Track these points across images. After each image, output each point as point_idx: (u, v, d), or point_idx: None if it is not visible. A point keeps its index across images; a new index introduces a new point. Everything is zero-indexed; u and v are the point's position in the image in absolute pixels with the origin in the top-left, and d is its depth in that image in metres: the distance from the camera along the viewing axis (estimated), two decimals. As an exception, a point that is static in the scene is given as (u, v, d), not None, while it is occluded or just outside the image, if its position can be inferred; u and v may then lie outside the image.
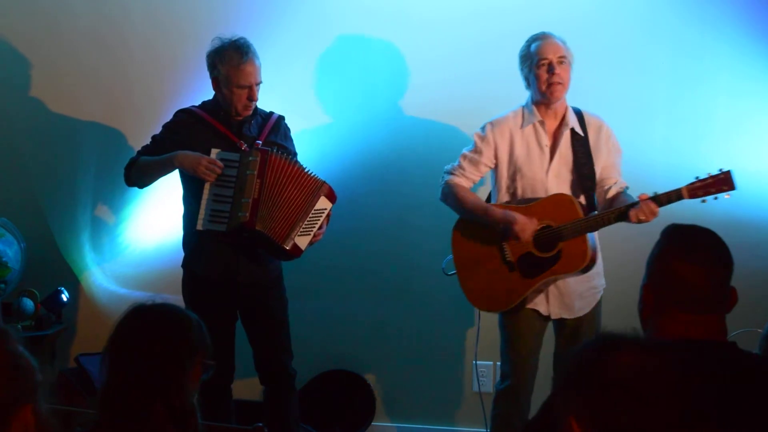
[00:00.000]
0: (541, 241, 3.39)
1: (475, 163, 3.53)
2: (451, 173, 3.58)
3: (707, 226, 2.03)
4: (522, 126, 3.48)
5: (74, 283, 4.48)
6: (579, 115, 3.50)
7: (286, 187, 3.53)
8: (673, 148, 4.08)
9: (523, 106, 3.50)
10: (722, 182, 3.14)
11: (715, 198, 3.18)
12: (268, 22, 4.24)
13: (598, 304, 3.56)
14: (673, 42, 4.08)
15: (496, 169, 3.54)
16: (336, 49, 4.29)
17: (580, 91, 4.00)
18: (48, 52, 4.46)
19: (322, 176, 3.63)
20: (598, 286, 3.55)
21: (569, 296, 3.48)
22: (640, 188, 3.97)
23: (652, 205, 3.20)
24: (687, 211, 3.74)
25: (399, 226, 4.35)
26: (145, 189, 3.82)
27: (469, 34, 4.19)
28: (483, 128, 3.54)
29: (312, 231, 3.58)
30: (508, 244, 3.45)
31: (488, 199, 3.63)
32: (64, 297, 4.35)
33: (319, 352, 4.38)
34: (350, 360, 4.40)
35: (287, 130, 3.75)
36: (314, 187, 3.58)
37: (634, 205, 3.24)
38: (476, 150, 3.53)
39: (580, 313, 3.51)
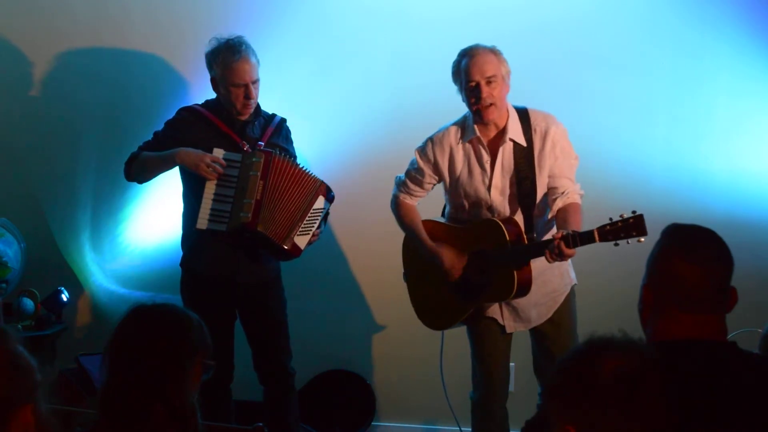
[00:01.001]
0: (476, 266, 3.35)
1: (417, 182, 3.49)
2: (399, 188, 3.55)
3: (707, 226, 2.03)
4: (462, 140, 3.37)
5: (74, 283, 4.48)
6: (524, 118, 3.32)
7: (288, 188, 3.54)
8: (673, 148, 4.08)
9: (466, 117, 3.39)
10: (632, 227, 2.94)
11: (627, 242, 2.97)
12: (268, 22, 4.24)
13: (567, 303, 3.44)
14: (674, 42, 4.08)
15: (443, 183, 3.47)
16: (336, 49, 4.29)
17: (580, 92, 4.02)
18: (48, 51, 4.46)
19: (321, 176, 3.64)
20: (558, 288, 3.43)
21: (523, 309, 3.40)
22: (640, 188, 4.00)
23: (563, 246, 3.02)
24: (687, 211, 3.76)
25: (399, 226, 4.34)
26: (146, 189, 3.82)
27: (469, 34, 4.16)
28: (423, 145, 3.45)
29: (311, 230, 3.58)
30: None
31: (443, 211, 3.59)
32: (64, 297, 4.35)
33: (319, 352, 4.38)
34: (350, 360, 4.41)
35: (288, 132, 3.75)
36: (313, 187, 3.58)
37: (549, 243, 3.09)
38: (417, 169, 3.46)
39: (540, 321, 3.42)
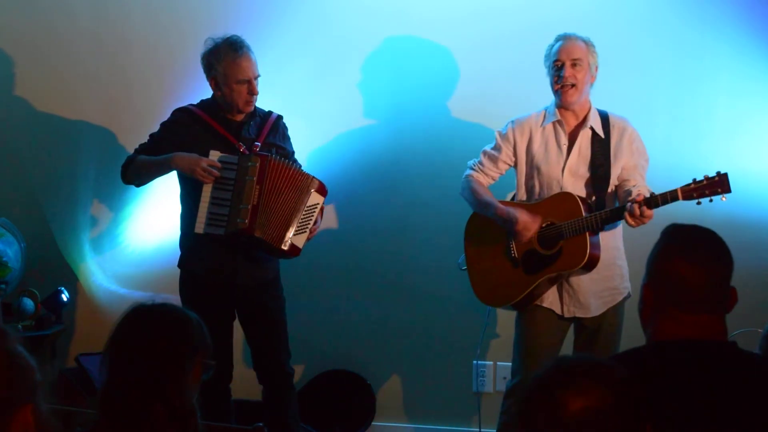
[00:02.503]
0: (545, 238, 3.40)
1: (493, 160, 3.58)
2: (472, 168, 3.64)
3: (707, 226, 2.03)
4: (542, 124, 3.49)
5: (74, 283, 4.48)
6: (604, 117, 3.48)
7: (283, 191, 3.53)
8: (673, 148, 4.08)
9: (547, 107, 3.52)
10: (717, 185, 3.12)
11: (710, 200, 3.16)
12: (267, 23, 4.24)
13: (619, 308, 3.49)
14: (674, 42, 4.08)
15: (516, 167, 3.57)
16: (335, 49, 4.29)
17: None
18: (48, 52, 4.46)
19: (321, 176, 3.63)
20: (618, 287, 3.48)
21: (584, 295, 3.44)
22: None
23: (644, 208, 3.18)
24: (687, 211, 3.75)
25: (399, 226, 4.35)
26: (146, 189, 3.82)
27: (469, 33, 4.19)
28: (504, 126, 3.58)
29: (308, 228, 3.58)
30: (513, 240, 3.47)
31: (512, 199, 3.63)
32: (64, 297, 4.34)
33: (319, 352, 4.38)
34: (350, 360, 4.40)
35: (285, 129, 3.75)
36: (305, 184, 3.57)
37: (629, 205, 3.22)
38: (496, 147, 3.57)
39: (597, 312, 3.45)
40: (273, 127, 3.67)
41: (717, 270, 1.95)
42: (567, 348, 3.59)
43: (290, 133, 3.77)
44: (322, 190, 3.61)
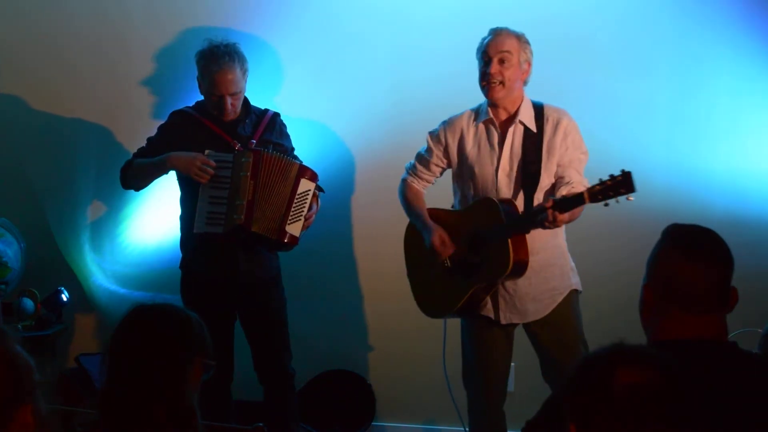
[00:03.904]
0: (474, 246, 3.30)
1: (425, 164, 3.49)
2: (407, 172, 3.56)
3: (707, 225, 2.03)
4: (474, 123, 3.37)
5: (74, 283, 4.47)
6: (539, 109, 3.31)
7: (277, 183, 3.53)
8: (674, 148, 4.08)
9: (481, 104, 3.39)
10: (620, 184, 2.89)
11: (617, 201, 2.93)
12: (268, 23, 4.24)
13: (566, 305, 3.36)
14: (674, 42, 4.08)
15: (451, 169, 3.46)
16: (336, 49, 4.29)
17: (580, 92, 4.02)
18: (47, 54, 4.45)
19: (321, 175, 3.63)
20: (559, 287, 3.35)
21: (521, 299, 3.33)
22: (640, 187, 3.98)
23: (557, 213, 3.01)
24: (687, 211, 3.76)
25: (399, 226, 4.34)
26: (146, 189, 3.82)
27: (469, 33, 4.17)
28: (436, 128, 3.46)
29: (302, 215, 3.56)
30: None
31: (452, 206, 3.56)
32: (64, 297, 4.34)
33: (319, 352, 4.37)
34: (350, 360, 4.40)
35: (282, 126, 3.73)
36: (294, 172, 3.56)
37: (540, 211, 3.07)
38: (427, 150, 3.47)
39: (537, 317, 3.34)
40: (269, 125, 3.66)
41: (717, 270, 1.95)
42: (526, 356, 3.54)
43: (289, 131, 3.77)
44: (312, 176, 3.59)
